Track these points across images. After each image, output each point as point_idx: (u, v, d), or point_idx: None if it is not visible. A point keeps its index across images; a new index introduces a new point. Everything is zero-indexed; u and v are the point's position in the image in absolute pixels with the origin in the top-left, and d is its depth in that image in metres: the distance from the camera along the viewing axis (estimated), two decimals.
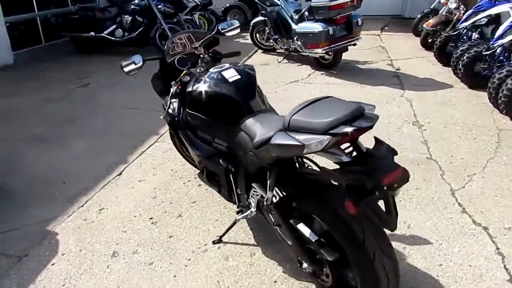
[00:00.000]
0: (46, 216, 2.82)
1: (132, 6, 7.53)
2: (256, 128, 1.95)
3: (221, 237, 2.49)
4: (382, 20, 10.12)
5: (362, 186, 1.43)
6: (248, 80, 2.23)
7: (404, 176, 1.46)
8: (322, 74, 6.05)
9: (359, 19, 5.76)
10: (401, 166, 1.44)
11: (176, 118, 2.44)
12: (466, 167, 3.23)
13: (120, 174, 3.37)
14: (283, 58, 6.84)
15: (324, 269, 1.85)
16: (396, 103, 4.73)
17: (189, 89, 2.31)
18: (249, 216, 2.15)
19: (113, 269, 2.31)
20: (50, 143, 4.01)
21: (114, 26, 7.58)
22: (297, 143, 1.50)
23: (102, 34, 7.54)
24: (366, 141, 1.61)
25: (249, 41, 7.60)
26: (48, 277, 2.28)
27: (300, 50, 6.14)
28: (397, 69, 6.11)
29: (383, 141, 1.57)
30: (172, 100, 2.48)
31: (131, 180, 3.25)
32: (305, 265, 1.89)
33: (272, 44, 6.96)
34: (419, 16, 8.05)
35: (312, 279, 2.05)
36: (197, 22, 8.67)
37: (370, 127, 1.40)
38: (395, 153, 1.51)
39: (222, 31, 2.79)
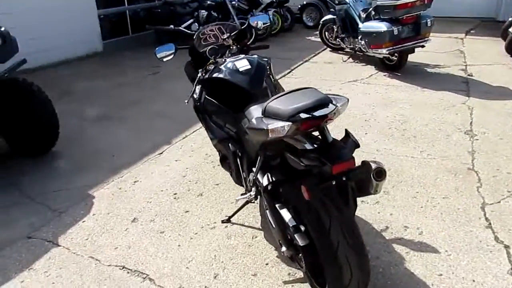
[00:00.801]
0: (90, 182, 3.21)
1: (209, 2, 7.97)
2: (253, 114, 2.05)
3: (230, 217, 2.63)
4: (470, 23, 9.38)
5: (319, 173, 1.48)
6: (257, 70, 2.32)
7: (364, 169, 1.47)
8: (384, 75, 5.86)
9: (428, 20, 5.48)
10: (354, 158, 1.47)
11: (198, 103, 2.63)
12: (509, 183, 2.98)
13: (161, 153, 3.68)
14: (348, 58, 6.74)
15: (299, 254, 1.91)
16: (454, 110, 4.44)
17: (207, 76, 2.48)
18: (248, 199, 2.27)
19: (129, 232, 2.59)
20: (112, 121, 4.50)
21: (191, 20, 8.04)
22: (264, 127, 1.59)
23: (180, 28, 8.05)
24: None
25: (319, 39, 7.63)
26: (76, 231, 2.62)
27: (364, 50, 6.02)
28: (469, 75, 5.69)
29: (351, 134, 1.59)
30: (197, 86, 2.67)
31: (169, 159, 3.54)
32: (283, 249, 1.96)
33: (339, 43, 6.90)
34: (510, 19, 7.34)
35: (292, 264, 2.12)
36: (271, 19, 8.87)
37: (323, 117, 1.45)
38: (357, 146, 1.52)
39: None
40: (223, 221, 2.64)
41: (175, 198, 2.95)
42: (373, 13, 5.87)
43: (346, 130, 1.62)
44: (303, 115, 1.47)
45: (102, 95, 5.45)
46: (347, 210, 1.68)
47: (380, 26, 5.47)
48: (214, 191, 3.01)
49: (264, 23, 2.93)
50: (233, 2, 7.70)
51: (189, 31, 9.11)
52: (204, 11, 8.01)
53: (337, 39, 6.92)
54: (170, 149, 3.75)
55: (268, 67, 2.42)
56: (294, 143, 1.61)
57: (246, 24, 2.96)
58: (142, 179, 3.24)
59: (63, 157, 3.70)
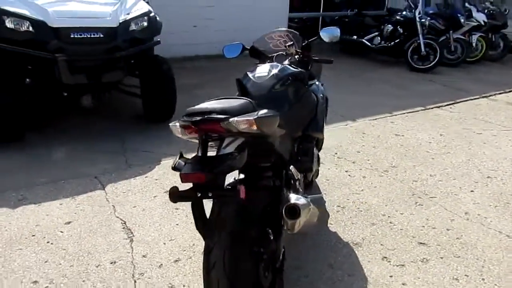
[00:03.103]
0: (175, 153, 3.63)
1: (397, 17, 7.50)
2: None
3: None
4: None
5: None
6: (271, 79, 2.19)
7: (230, 193, 1.33)
8: None
9: None
10: (203, 173, 1.31)
11: None
12: None
13: None
14: None
15: None
16: None
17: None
18: None
19: (153, 203, 2.87)
20: None
21: (375, 34, 7.80)
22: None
23: (362, 40, 7.89)
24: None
25: None
26: (123, 185, 3.07)
27: None
28: None
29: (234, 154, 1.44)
30: None
31: None
32: None
33: None
34: None
35: None
36: (473, 44, 7.68)
37: (197, 122, 1.34)
38: (232, 168, 1.42)
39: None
40: None
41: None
42: None
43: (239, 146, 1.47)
44: (186, 117, 1.39)
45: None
46: (236, 235, 1.50)
47: None
48: None
49: (333, 37, 2.71)
50: (423, 20, 6.99)
51: (369, 44, 8.89)
52: (390, 25, 7.59)
53: None
54: None
55: (291, 78, 2.25)
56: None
57: (316, 37, 2.80)
58: None
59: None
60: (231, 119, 1.40)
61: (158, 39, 4.09)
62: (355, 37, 8.07)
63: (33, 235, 2.43)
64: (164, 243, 2.41)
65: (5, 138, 3.54)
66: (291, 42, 2.63)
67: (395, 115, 4.86)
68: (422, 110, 5.09)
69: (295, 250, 2.38)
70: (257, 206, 1.64)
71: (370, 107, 5.07)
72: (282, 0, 8.12)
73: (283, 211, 1.50)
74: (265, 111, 1.52)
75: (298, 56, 2.62)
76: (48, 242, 2.37)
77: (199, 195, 1.38)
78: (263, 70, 2.22)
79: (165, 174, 3.23)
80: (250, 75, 2.24)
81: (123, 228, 2.54)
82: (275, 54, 2.66)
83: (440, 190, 3.14)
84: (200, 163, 1.39)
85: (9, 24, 3.34)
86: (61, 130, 4.03)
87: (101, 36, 3.57)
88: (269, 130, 1.55)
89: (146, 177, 3.20)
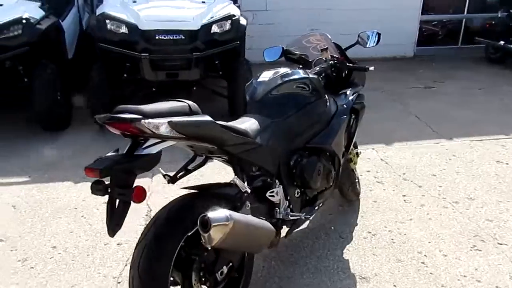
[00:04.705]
0: None
1: None
2: None
3: None
4: None
5: None
6: (269, 83, 2.06)
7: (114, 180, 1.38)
8: None
9: None
10: (98, 169, 1.33)
11: None
12: None
13: None
14: None
15: None
16: None
17: None
18: None
19: None
20: None
21: None
22: None
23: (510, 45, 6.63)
24: None
25: None
26: None
27: None
28: None
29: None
30: None
31: None
32: None
33: None
34: None
35: None
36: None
37: (109, 121, 1.36)
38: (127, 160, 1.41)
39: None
40: None
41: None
42: None
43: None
44: (103, 116, 1.42)
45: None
46: (159, 237, 1.51)
47: None
48: None
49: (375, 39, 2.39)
50: None
51: None
52: None
53: None
54: None
55: (295, 84, 2.08)
56: None
57: (355, 41, 2.52)
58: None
59: None
60: (142, 121, 1.38)
61: (237, 41, 4.19)
62: (502, 42, 6.84)
63: (76, 208, 2.80)
64: None
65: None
66: (325, 47, 2.44)
67: None
68: None
69: (288, 270, 2.20)
70: (196, 212, 1.57)
71: (482, 125, 4.27)
72: None
73: (198, 221, 1.42)
74: (193, 117, 1.48)
75: (332, 62, 2.42)
76: (82, 216, 2.71)
77: (109, 191, 1.41)
78: (266, 75, 2.12)
79: None
80: (254, 80, 2.16)
81: (146, 214, 2.72)
82: (316, 58, 2.50)
83: None
84: (110, 160, 1.41)
85: (110, 26, 3.90)
86: None
87: (183, 37, 3.87)
88: (192, 134, 1.48)
89: None
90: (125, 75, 4.12)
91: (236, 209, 1.64)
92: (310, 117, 2.11)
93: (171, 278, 1.58)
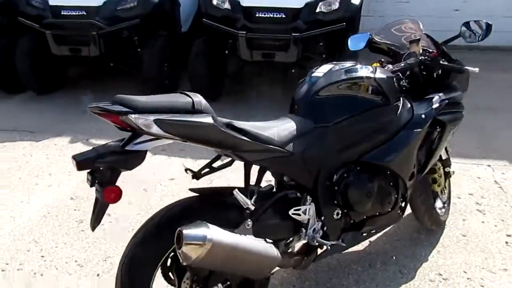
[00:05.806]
0: None
1: None
2: None
3: None
4: None
5: None
6: (319, 83, 1.70)
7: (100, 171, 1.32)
8: None
9: None
10: (75, 161, 1.27)
11: None
12: None
13: None
14: None
15: None
16: None
17: None
18: None
19: None
20: None
21: None
22: None
23: None
24: None
25: None
26: None
27: None
28: None
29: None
30: None
31: None
32: None
33: None
34: None
35: None
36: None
37: (99, 111, 1.27)
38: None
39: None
40: None
41: None
42: None
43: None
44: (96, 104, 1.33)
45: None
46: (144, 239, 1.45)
47: None
48: None
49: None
50: None
51: None
52: None
53: None
54: None
55: (354, 84, 1.69)
56: None
57: (457, 35, 1.96)
58: None
59: None
60: (130, 115, 1.25)
61: (343, 23, 3.73)
62: None
63: (142, 180, 2.90)
64: None
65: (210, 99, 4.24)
66: (417, 38, 1.96)
67: None
68: None
69: None
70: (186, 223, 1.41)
71: None
72: None
73: (176, 237, 1.26)
74: (188, 116, 1.30)
75: (422, 58, 1.93)
76: (143, 189, 2.79)
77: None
78: (321, 70, 1.78)
79: None
80: (307, 76, 1.84)
81: None
82: (408, 51, 2.05)
83: None
84: (95, 151, 1.32)
85: (215, 2, 3.87)
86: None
87: (283, 16, 3.62)
88: (181, 135, 1.30)
89: None
90: (226, 52, 4.09)
91: (233, 225, 1.42)
92: (368, 126, 1.72)
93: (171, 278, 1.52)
